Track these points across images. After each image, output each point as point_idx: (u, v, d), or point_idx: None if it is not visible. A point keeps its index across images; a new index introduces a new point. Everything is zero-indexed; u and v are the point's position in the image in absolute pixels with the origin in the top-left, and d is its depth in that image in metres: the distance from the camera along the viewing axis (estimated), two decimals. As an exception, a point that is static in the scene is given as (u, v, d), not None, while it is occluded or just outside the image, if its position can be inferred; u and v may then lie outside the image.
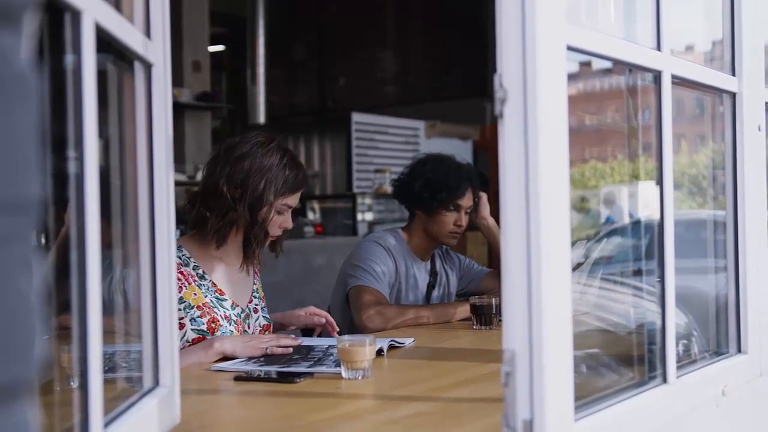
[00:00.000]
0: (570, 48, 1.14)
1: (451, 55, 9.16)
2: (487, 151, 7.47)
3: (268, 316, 2.32)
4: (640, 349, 1.52)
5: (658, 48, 1.42)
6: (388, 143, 7.92)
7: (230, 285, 2.20)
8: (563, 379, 1.10)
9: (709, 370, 1.59)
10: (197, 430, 1.39)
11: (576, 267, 1.91)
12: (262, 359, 1.95)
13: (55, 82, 0.91)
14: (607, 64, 1.46)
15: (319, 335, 2.39)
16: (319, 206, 7.65)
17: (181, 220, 2.50)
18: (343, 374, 1.74)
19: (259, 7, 8.52)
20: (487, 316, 2.46)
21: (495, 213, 2.58)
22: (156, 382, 1.28)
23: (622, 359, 1.56)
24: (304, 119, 9.57)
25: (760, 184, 1.75)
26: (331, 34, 10.06)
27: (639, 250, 1.70)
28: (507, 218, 1.08)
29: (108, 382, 1.15)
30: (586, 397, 1.23)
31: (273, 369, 1.83)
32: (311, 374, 1.77)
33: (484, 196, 2.89)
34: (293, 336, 2.20)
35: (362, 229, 7.11)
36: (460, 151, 7.09)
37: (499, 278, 1.13)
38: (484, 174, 5.49)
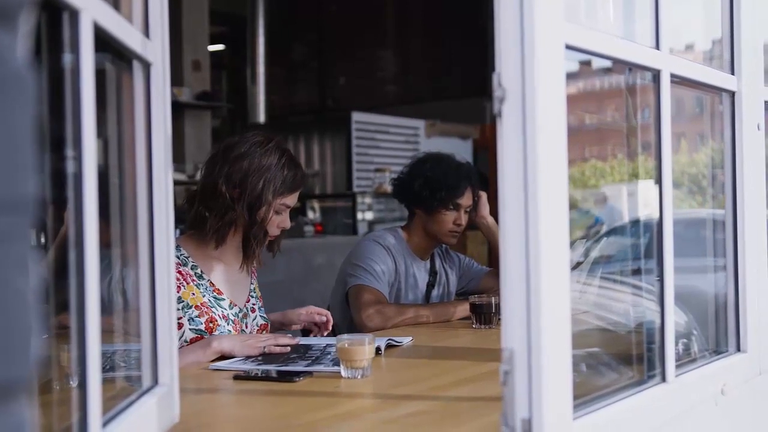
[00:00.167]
0: (569, 47, 1.14)
1: (451, 55, 9.16)
2: (487, 150, 7.47)
3: (265, 315, 2.32)
4: (639, 348, 1.52)
5: (657, 47, 1.42)
6: (388, 142, 7.92)
7: (228, 285, 2.20)
8: (562, 377, 1.10)
9: (708, 368, 1.60)
10: (196, 429, 1.39)
11: (576, 266, 1.91)
12: (260, 358, 1.96)
13: (53, 81, 0.91)
14: (607, 63, 1.46)
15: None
16: (319, 205, 7.65)
17: (180, 219, 2.50)
18: (343, 373, 1.74)
19: (259, 7, 8.52)
20: (487, 315, 2.46)
21: (495, 212, 2.58)
22: (155, 381, 1.28)
23: (621, 358, 1.57)
24: (305, 118, 9.56)
25: (760, 183, 1.75)
26: (331, 34, 10.06)
27: (638, 249, 1.70)
28: (506, 217, 1.08)
29: (107, 381, 1.15)
30: (585, 395, 1.23)
31: (272, 368, 1.83)
32: (310, 373, 1.77)
33: (483, 195, 2.89)
34: (291, 335, 2.20)
35: (362, 228, 7.11)
36: (460, 150, 7.09)
37: (499, 277, 1.13)
38: (483, 173, 5.50)
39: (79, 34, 0.91)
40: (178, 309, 2.05)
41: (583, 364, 1.42)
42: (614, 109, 1.84)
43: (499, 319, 2.27)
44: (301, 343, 2.12)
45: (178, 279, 2.06)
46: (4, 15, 0.50)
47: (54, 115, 0.91)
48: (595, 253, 2.02)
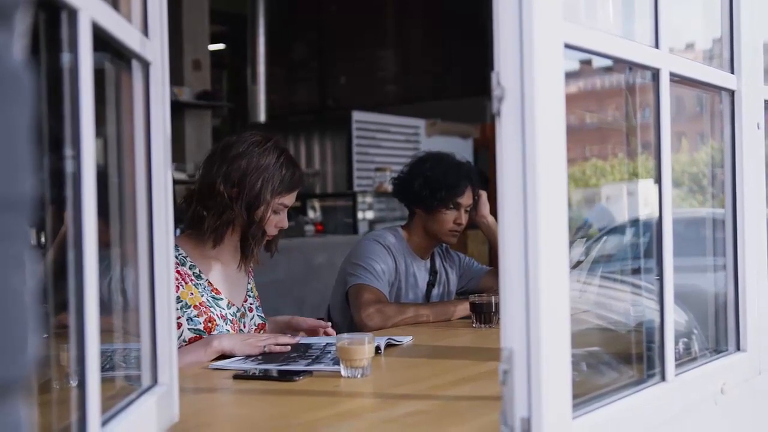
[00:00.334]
0: (567, 46, 1.14)
1: (452, 54, 9.16)
2: (487, 149, 7.47)
3: (262, 315, 2.32)
4: (639, 347, 1.52)
5: (657, 46, 1.42)
6: (388, 142, 7.92)
7: (226, 284, 2.20)
8: (561, 377, 1.10)
9: (708, 368, 1.59)
10: (196, 428, 1.40)
11: (576, 265, 1.91)
12: (260, 357, 1.96)
13: (52, 81, 0.91)
14: (608, 62, 1.46)
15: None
16: (320, 205, 7.65)
17: (180, 219, 2.50)
18: (342, 372, 1.74)
19: (259, 6, 8.52)
20: (487, 314, 2.46)
21: (495, 211, 2.58)
22: (154, 381, 1.28)
23: (621, 357, 1.56)
24: (305, 118, 9.56)
25: (759, 182, 1.75)
26: (332, 33, 10.06)
27: (638, 248, 1.70)
28: (505, 217, 1.08)
29: (106, 381, 1.15)
30: (584, 395, 1.23)
31: (272, 367, 1.83)
32: (310, 372, 1.78)
33: (483, 195, 2.89)
34: (291, 334, 2.20)
35: (363, 227, 7.10)
36: (461, 149, 7.09)
37: (498, 276, 1.13)
38: (483, 172, 5.50)
39: (78, 34, 0.91)
40: (177, 309, 2.05)
41: (584, 363, 1.42)
42: (615, 108, 1.84)
43: (499, 318, 2.27)
44: (301, 342, 2.12)
45: (176, 279, 2.06)
46: (0, 14, 0.50)
47: (53, 114, 0.91)
48: (595, 252, 2.02)
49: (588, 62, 1.38)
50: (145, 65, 1.25)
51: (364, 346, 1.73)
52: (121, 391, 1.24)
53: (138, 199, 1.25)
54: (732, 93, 1.70)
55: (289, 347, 2.02)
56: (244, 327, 2.23)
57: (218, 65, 9.36)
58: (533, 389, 1.06)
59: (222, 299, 2.17)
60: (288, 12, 10.00)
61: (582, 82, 1.52)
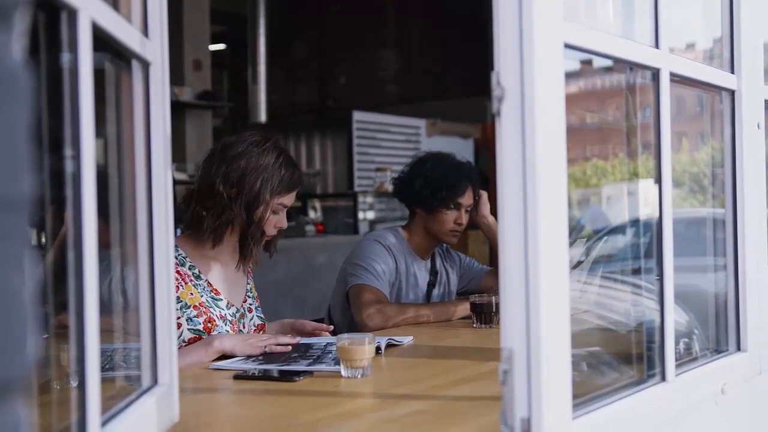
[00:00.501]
0: (567, 46, 1.13)
1: (452, 54, 9.16)
2: (488, 149, 7.47)
3: (262, 315, 2.32)
4: (640, 347, 1.52)
5: (657, 46, 1.41)
6: (389, 142, 7.92)
7: (225, 285, 2.20)
8: (561, 377, 1.10)
9: (709, 368, 1.59)
10: (196, 428, 1.40)
11: (576, 265, 1.91)
12: (260, 358, 1.96)
13: (52, 81, 0.91)
14: (609, 62, 1.46)
15: None
16: (321, 205, 7.64)
17: (180, 219, 2.50)
18: (343, 373, 1.74)
19: (259, 6, 8.51)
20: (487, 314, 2.46)
21: (495, 211, 2.58)
22: (154, 381, 1.28)
23: (621, 357, 1.56)
24: (305, 118, 9.56)
25: (760, 181, 1.75)
26: (332, 33, 10.06)
27: (639, 248, 1.70)
28: (504, 217, 1.07)
29: (106, 381, 1.15)
30: (584, 395, 1.23)
31: (272, 367, 1.83)
32: (311, 373, 1.78)
33: (484, 195, 2.89)
34: (291, 334, 2.20)
35: (363, 227, 7.10)
36: (462, 149, 7.08)
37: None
38: (484, 172, 5.49)
39: (78, 34, 0.91)
40: (177, 309, 2.05)
41: (584, 363, 1.42)
42: (616, 108, 1.84)
43: (500, 318, 2.27)
44: (301, 342, 2.12)
45: (176, 279, 2.06)
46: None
47: (53, 114, 0.91)
48: (595, 252, 2.02)
49: (589, 62, 1.37)
50: (145, 65, 1.25)
51: (364, 347, 1.73)
52: (121, 391, 1.24)
53: (138, 199, 1.25)
54: (732, 93, 1.70)
55: (290, 347, 2.02)
56: (244, 328, 2.23)
57: (219, 65, 9.36)
58: (533, 389, 1.06)
59: (221, 300, 2.17)
60: (288, 12, 10.00)
61: (583, 82, 1.52)
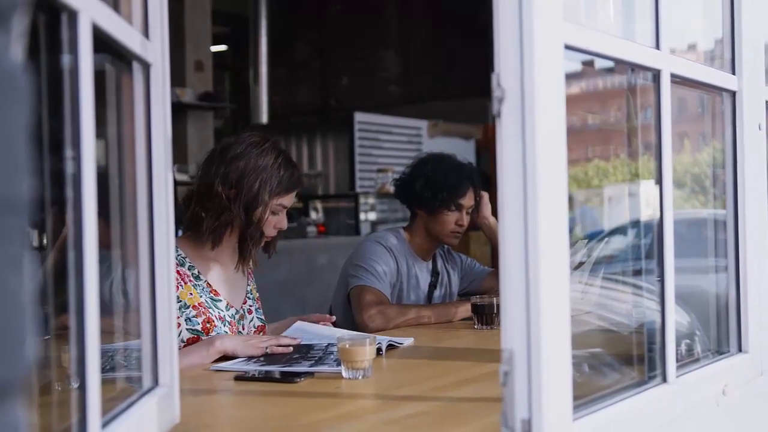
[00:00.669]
0: (568, 47, 1.13)
1: (453, 54, 9.15)
2: (489, 150, 7.47)
3: (262, 317, 2.32)
4: (641, 348, 1.52)
5: (657, 47, 1.41)
6: (390, 143, 7.92)
7: (225, 286, 2.20)
8: (562, 378, 1.10)
9: (710, 369, 1.59)
10: (196, 429, 1.40)
11: (578, 266, 1.91)
12: (262, 359, 1.95)
13: (52, 82, 0.91)
14: (610, 63, 1.46)
15: None
16: (322, 206, 7.64)
17: (180, 220, 2.50)
18: (344, 374, 1.74)
19: (261, 7, 8.52)
20: (488, 315, 2.46)
21: (497, 212, 2.57)
22: (155, 382, 1.29)
23: (622, 358, 1.56)
24: (307, 119, 9.56)
25: (761, 182, 1.75)
26: (333, 34, 10.06)
27: (640, 249, 1.70)
28: (505, 218, 1.07)
29: (107, 382, 1.15)
30: (585, 396, 1.23)
31: (273, 368, 1.83)
32: (312, 374, 1.77)
33: (485, 196, 2.89)
34: (292, 335, 2.20)
35: (365, 228, 7.10)
36: (463, 150, 7.09)
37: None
38: (485, 173, 5.49)
39: (78, 35, 0.91)
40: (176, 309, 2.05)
41: (585, 364, 1.42)
42: (617, 109, 1.84)
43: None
44: (303, 343, 2.12)
45: (176, 278, 2.06)
46: (-1, 16, 0.51)
47: (53, 116, 0.91)
48: (597, 254, 2.02)
49: (590, 63, 1.37)
50: (146, 67, 1.25)
51: (365, 348, 1.73)
52: (122, 392, 1.25)
53: (139, 200, 1.25)
54: (733, 94, 1.70)
55: (291, 348, 2.02)
56: (243, 329, 2.22)
57: (220, 66, 9.37)
58: (534, 391, 1.06)
59: (221, 300, 2.17)
60: (289, 13, 10.00)
61: (584, 83, 1.52)
